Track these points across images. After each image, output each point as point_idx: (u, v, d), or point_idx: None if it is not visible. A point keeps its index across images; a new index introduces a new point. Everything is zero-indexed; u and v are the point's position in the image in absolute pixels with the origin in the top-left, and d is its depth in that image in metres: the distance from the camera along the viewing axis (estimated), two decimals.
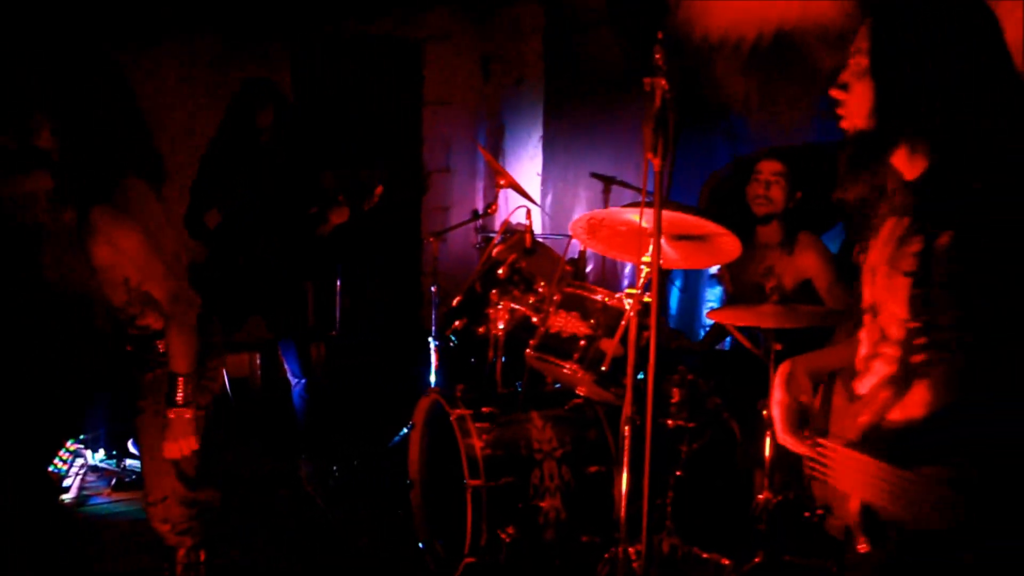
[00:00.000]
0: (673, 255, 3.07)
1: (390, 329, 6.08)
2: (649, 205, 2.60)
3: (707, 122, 4.68)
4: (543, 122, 6.03)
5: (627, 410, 2.64)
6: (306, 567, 3.64)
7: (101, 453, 4.61)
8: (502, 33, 6.32)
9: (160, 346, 2.79)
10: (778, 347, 3.02)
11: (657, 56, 2.52)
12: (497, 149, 6.36)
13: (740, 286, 3.78)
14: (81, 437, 4.52)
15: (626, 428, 2.64)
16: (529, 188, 6.10)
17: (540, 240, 3.92)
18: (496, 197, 4.27)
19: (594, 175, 5.06)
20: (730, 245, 2.99)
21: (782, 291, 3.14)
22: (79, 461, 4.45)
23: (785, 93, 4.24)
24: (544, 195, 6.04)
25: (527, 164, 6.14)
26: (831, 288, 3.60)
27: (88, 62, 2.70)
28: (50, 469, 4.30)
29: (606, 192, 4.95)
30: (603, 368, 3.10)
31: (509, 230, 3.99)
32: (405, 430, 4.29)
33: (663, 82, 2.53)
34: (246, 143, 4.23)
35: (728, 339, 3.99)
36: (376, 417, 4.86)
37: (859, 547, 1.65)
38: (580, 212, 5.55)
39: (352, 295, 5.45)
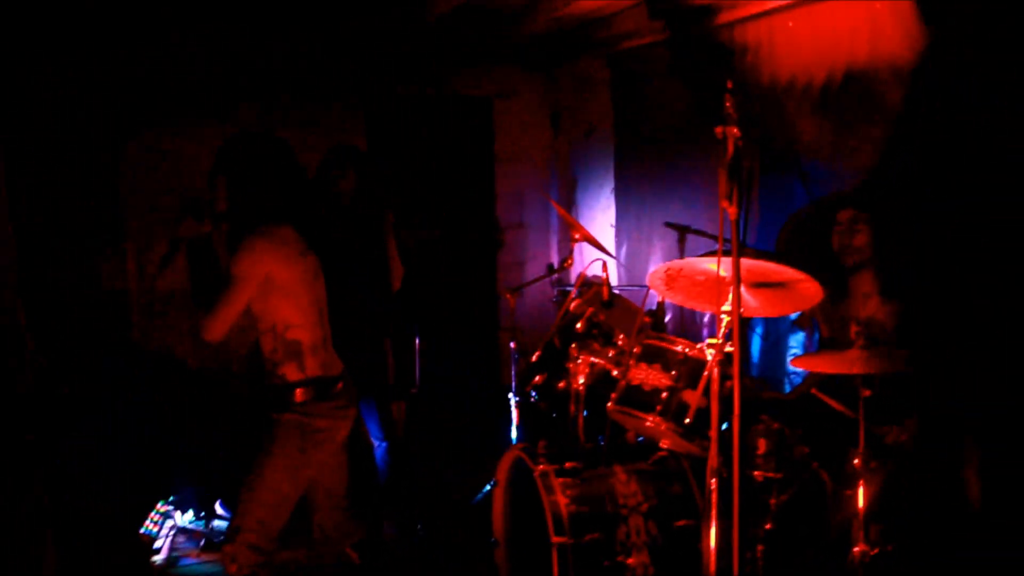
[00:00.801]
0: (753, 303, 3.03)
1: (470, 386, 6.10)
2: (727, 253, 2.58)
3: (782, 167, 4.63)
4: (614, 173, 6.05)
5: (713, 462, 2.60)
6: None
7: (190, 514, 4.69)
8: (569, 87, 6.40)
9: (298, 394, 2.97)
10: (867, 393, 2.94)
11: (728, 104, 2.53)
12: (570, 202, 6.40)
13: (841, 335, 3.70)
14: (170, 499, 4.61)
15: (712, 481, 2.60)
16: (603, 240, 6.11)
17: (617, 292, 3.90)
18: (572, 251, 4.27)
19: (668, 224, 5.04)
20: (811, 290, 2.94)
21: (869, 335, 3.06)
22: (169, 523, 4.53)
23: (858, 132, 4.18)
24: (619, 246, 6.04)
25: (600, 216, 6.16)
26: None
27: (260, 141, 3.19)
28: (141, 531, 4.41)
29: (681, 241, 4.92)
30: (687, 420, 3.06)
31: (586, 283, 3.99)
32: (488, 487, 4.27)
33: (735, 130, 2.53)
34: (329, 206, 4.33)
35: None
36: (459, 475, 4.86)
37: None
38: (655, 262, 5.53)
39: (432, 353, 5.49)
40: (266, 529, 3.00)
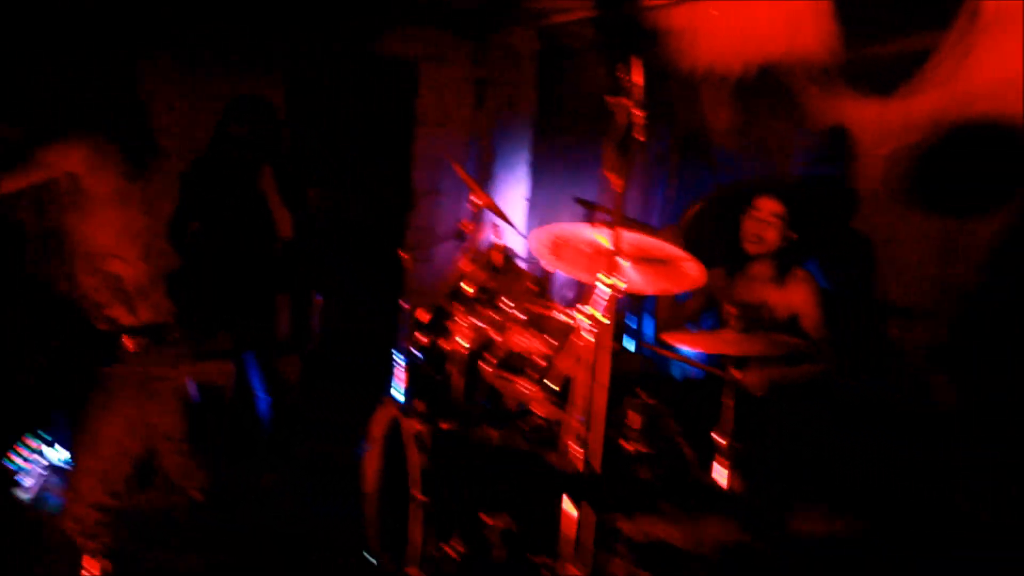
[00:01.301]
0: (637, 279, 3.04)
1: (369, 346, 6.04)
2: (609, 224, 2.58)
3: (697, 152, 4.68)
4: (532, 147, 6.03)
5: (576, 430, 2.60)
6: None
7: (64, 452, 4.56)
8: (497, 57, 6.33)
9: (127, 342, 2.83)
10: (736, 375, 2.98)
11: (624, 77, 2.52)
12: (487, 172, 6.36)
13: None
14: (44, 435, 4.47)
15: (574, 446, 2.61)
16: (517, 212, 6.10)
17: (511, 259, 3.89)
18: (474, 216, 4.24)
19: (578, 200, 5.04)
20: (695, 271, 2.96)
21: (752, 318, 3.11)
22: (39, 459, 4.39)
23: (769, 125, 4.24)
24: (531, 219, 6.02)
25: (516, 188, 6.14)
26: (817, 327, 3.59)
27: None
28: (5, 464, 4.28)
29: (590, 217, 4.92)
30: (558, 388, 3.06)
31: (481, 248, 3.97)
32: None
33: (628, 102, 2.53)
34: (223, 156, 4.29)
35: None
36: (346, 431, 4.82)
37: None
38: None
39: (334, 312, 5.43)
40: (108, 484, 2.90)
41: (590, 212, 4.93)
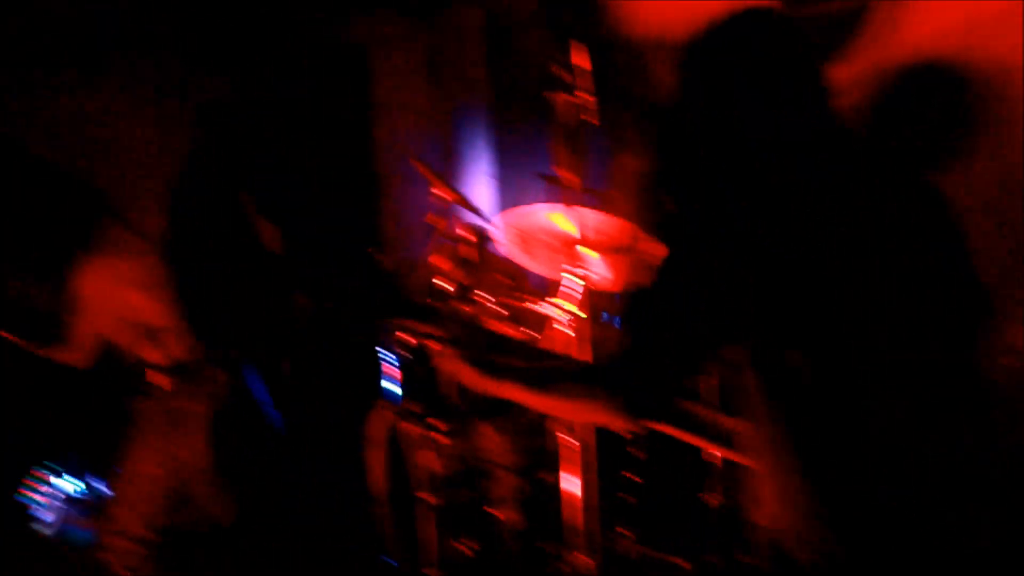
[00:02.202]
0: (608, 274, 3.11)
1: (356, 345, 6.06)
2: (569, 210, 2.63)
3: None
4: (491, 123, 6.05)
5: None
6: None
7: (78, 482, 4.62)
8: (450, 36, 6.32)
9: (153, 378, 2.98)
10: None
11: (566, 76, 2.58)
12: (449, 153, 6.37)
13: None
14: (56, 466, 4.53)
15: (563, 435, 2.72)
16: (482, 191, 6.14)
17: (485, 251, 3.96)
18: (443, 210, 4.28)
19: (541, 175, 5.09)
20: (657, 252, 3.05)
21: None
22: (54, 491, 4.45)
23: None
24: (498, 197, 6.06)
25: (479, 167, 6.17)
26: None
27: None
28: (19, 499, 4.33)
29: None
30: None
31: (449, 240, 4.02)
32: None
33: (572, 97, 2.59)
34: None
35: None
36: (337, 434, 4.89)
37: None
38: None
39: (317, 313, 5.46)
40: (144, 516, 3.03)
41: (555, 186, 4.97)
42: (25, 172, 3.10)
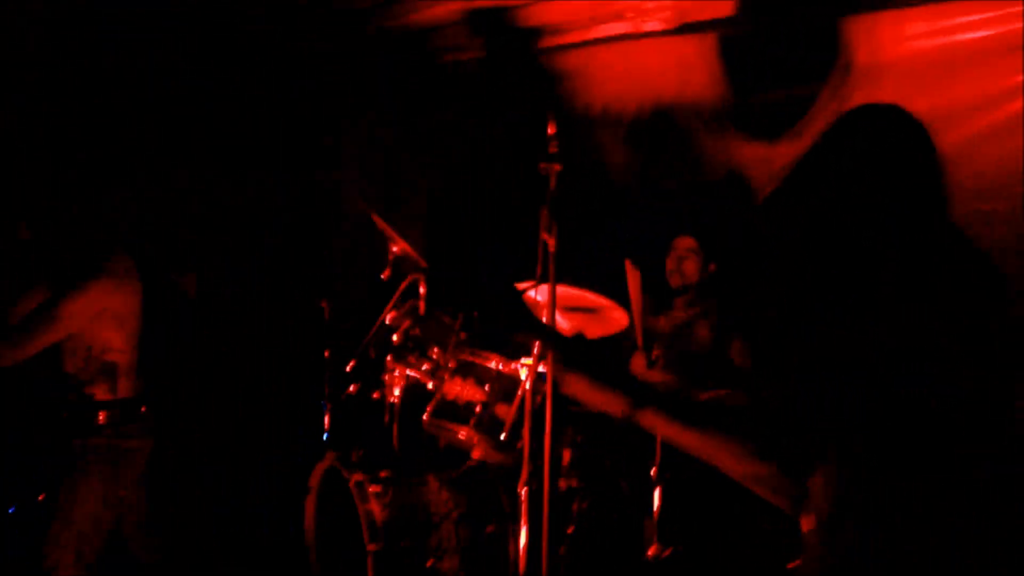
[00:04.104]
0: (566, 325, 3.24)
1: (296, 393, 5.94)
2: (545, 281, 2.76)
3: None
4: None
5: (525, 475, 2.77)
6: None
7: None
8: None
9: (102, 416, 2.92)
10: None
11: (552, 145, 2.70)
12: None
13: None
14: None
15: (523, 491, 2.77)
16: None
17: (432, 307, 4.01)
18: (390, 263, 4.31)
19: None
20: (618, 316, 3.19)
21: (667, 359, 3.34)
22: None
23: (664, 166, 4.48)
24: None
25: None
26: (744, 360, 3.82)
27: None
28: None
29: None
30: (502, 435, 3.22)
31: (403, 296, 4.07)
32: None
33: (557, 167, 2.72)
34: None
35: None
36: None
37: None
38: None
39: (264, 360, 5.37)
40: (85, 559, 2.96)
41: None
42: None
